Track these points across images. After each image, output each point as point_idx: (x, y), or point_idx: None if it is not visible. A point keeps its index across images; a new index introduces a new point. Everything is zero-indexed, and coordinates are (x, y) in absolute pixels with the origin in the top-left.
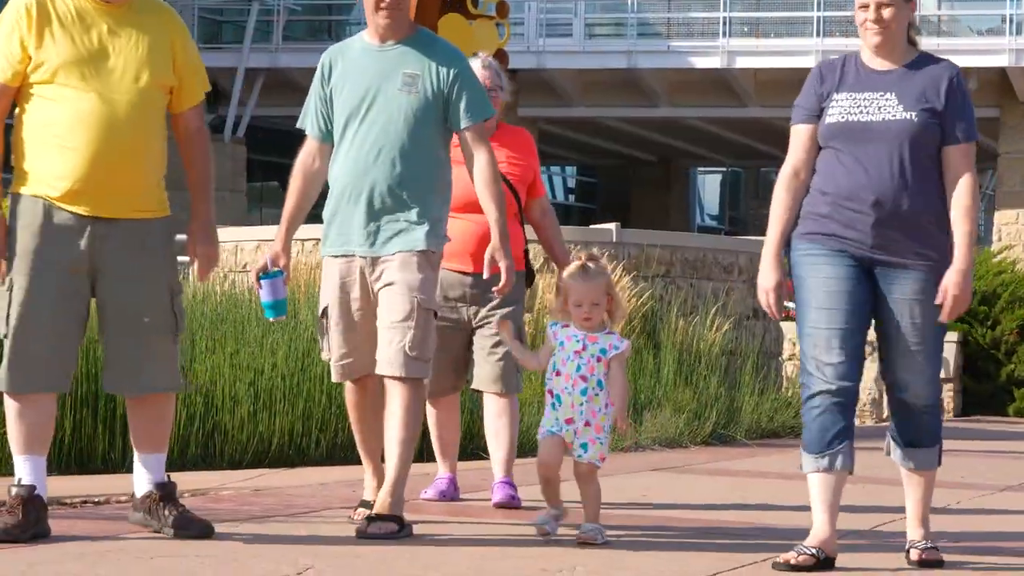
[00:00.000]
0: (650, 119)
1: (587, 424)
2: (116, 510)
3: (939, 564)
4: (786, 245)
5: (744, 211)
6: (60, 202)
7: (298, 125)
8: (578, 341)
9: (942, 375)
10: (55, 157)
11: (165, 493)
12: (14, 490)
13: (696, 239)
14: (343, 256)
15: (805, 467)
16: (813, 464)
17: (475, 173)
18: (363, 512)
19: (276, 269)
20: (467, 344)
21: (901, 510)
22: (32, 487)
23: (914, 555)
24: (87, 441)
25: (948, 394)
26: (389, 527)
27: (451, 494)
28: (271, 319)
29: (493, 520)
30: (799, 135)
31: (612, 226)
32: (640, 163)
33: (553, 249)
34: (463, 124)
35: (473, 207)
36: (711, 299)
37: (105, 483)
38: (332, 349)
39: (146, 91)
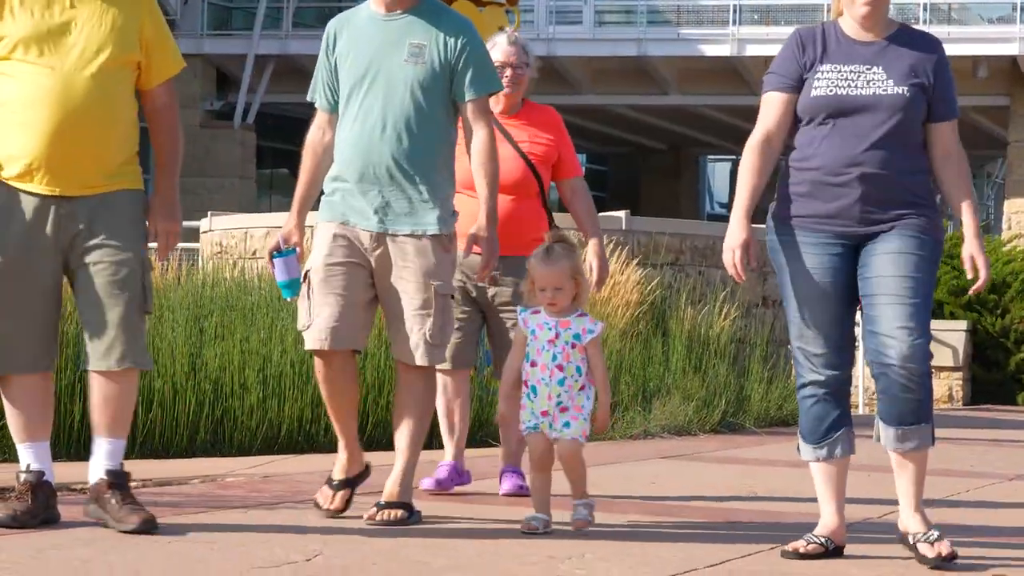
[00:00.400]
0: (660, 107)
1: (564, 409)
2: None
3: (954, 556)
4: (772, 221)
5: None
6: (20, 182)
7: (308, 98)
8: (550, 329)
9: (950, 363)
10: (13, 135)
11: (116, 481)
12: (23, 476)
13: (705, 227)
14: (342, 223)
15: (804, 455)
16: (812, 454)
17: (472, 148)
18: (326, 492)
19: (289, 248)
20: (484, 321)
21: None
22: (41, 473)
23: (924, 549)
24: None
25: (957, 383)
26: (398, 514)
27: (452, 481)
28: (288, 299)
29: (501, 508)
30: (774, 103)
31: (622, 214)
32: (650, 151)
33: (585, 229)
34: (467, 96)
35: None
36: (720, 287)
37: None
38: (312, 315)
39: (109, 67)
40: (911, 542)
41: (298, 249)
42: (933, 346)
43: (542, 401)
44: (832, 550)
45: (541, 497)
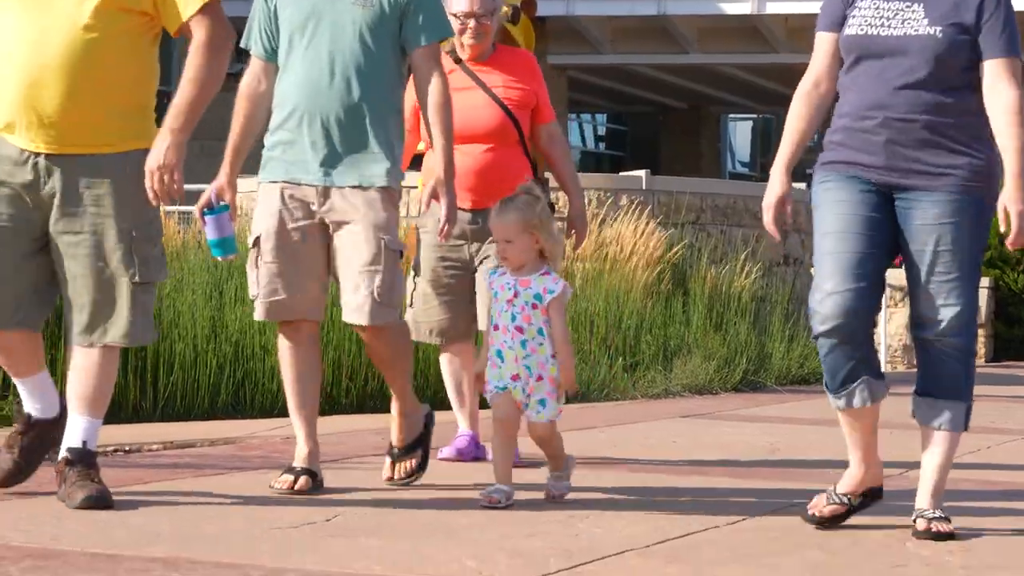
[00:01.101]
0: (680, 66)
1: (540, 379)
2: (147, 458)
3: (950, 536)
4: (814, 174)
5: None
6: (4, 134)
7: (242, 44)
8: (510, 288)
9: None
10: None
11: (73, 458)
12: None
13: (726, 186)
14: (286, 182)
15: (831, 403)
16: (834, 403)
17: (427, 98)
18: (286, 479)
19: (222, 204)
20: (474, 284)
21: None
22: (27, 415)
23: (921, 524)
24: (118, 390)
25: (980, 339)
26: (413, 464)
27: (471, 452)
28: (219, 258)
29: (518, 472)
30: (822, 44)
31: (642, 173)
32: (670, 110)
33: (563, 179)
34: (417, 42)
35: (470, 138)
36: (741, 246)
37: (136, 432)
38: (260, 284)
39: (98, 15)
40: (913, 515)
41: (231, 206)
42: None
43: (509, 366)
44: (859, 505)
45: (504, 467)
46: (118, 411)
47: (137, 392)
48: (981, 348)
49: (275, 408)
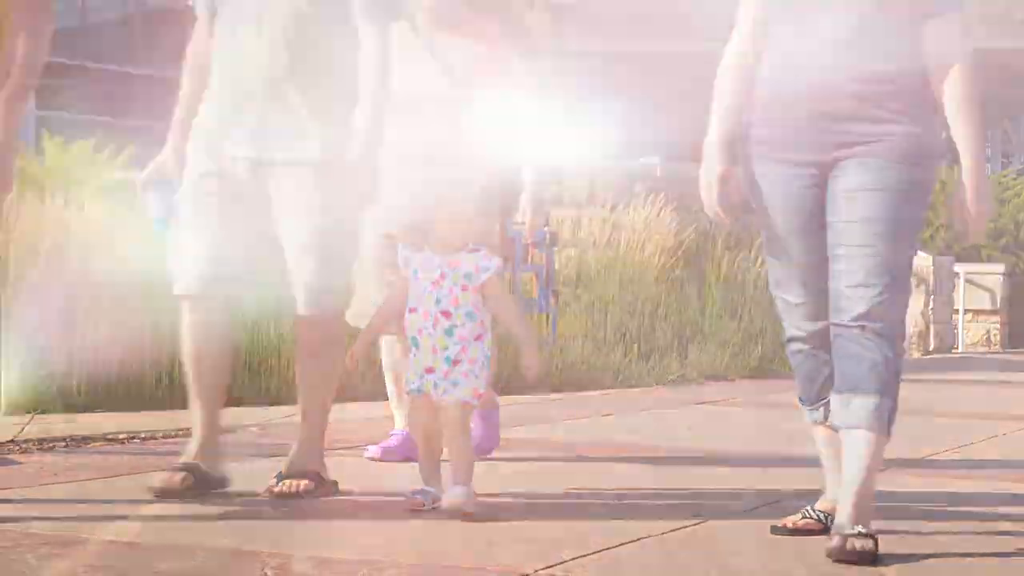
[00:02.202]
0: (694, 52)
1: (456, 363)
2: (162, 446)
3: (871, 556)
4: (748, 148)
5: None
6: None
7: (189, 1)
8: (435, 268)
9: (988, 307)
10: None
11: None
12: None
13: None
14: (213, 160)
15: (806, 418)
16: (810, 416)
17: (362, 62)
18: (172, 477)
19: (165, 178)
20: None
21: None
22: None
23: (836, 541)
24: (132, 378)
25: (995, 326)
26: (303, 484)
27: (401, 452)
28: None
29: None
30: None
31: (656, 159)
32: None
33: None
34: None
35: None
36: (756, 232)
37: (151, 420)
38: (180, 252)
39: None
40: (832, 530)
41: (176, 180)
42: (970, 289)
43: (425, 355)
44: (830, 527)
45: (428, 468)
46: (133, 399)
47: (152, 380)
48: (996, 335)
49: (291, 396)
